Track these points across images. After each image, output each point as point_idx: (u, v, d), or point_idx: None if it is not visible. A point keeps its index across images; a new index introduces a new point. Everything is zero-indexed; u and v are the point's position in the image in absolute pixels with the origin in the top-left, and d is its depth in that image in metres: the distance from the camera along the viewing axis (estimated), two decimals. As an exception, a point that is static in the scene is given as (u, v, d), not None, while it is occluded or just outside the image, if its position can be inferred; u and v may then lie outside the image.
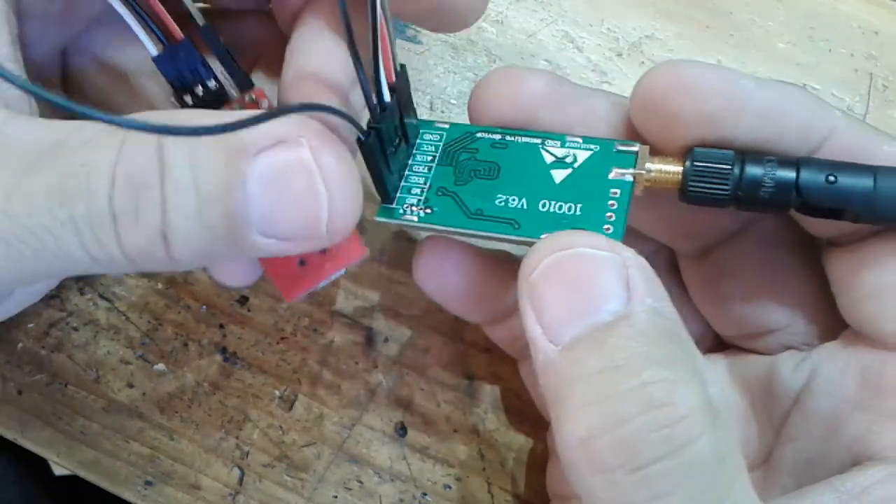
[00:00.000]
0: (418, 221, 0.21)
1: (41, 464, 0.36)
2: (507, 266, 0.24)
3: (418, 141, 0.22)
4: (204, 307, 0.29)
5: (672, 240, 0.24)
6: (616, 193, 0.20)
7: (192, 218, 0.17)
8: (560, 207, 0.20)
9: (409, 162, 0.22)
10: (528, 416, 0.28)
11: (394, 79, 0.20)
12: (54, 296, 0.29)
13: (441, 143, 0.22)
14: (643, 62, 0.30)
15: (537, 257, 0.18)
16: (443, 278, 0.24)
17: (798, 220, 0.21)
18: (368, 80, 0.19)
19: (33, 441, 0.28)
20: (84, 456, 0.28)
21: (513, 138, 0.22)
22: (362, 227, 0.29)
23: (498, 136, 0.22)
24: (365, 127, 0.19)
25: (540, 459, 0.28)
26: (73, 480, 0.32)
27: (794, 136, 0.19)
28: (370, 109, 0.20)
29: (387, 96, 0.20)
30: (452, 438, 0.28)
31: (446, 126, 0.23)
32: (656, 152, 0.20)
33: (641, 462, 0.16)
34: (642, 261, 0.18)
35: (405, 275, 0.29)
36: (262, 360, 0.28)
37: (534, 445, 0.28)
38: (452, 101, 0.30)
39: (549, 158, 0.21)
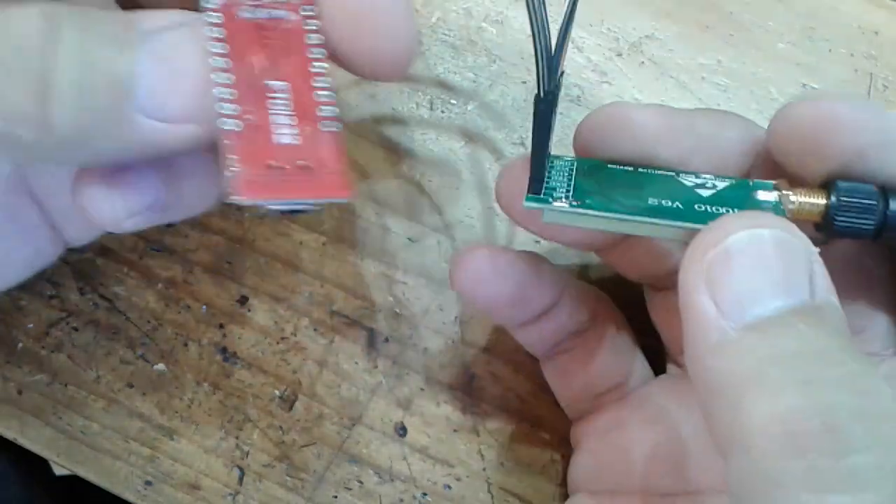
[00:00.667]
0: (570, 207, 0.20)
1: (41, 464, 0.36)
2: (542, 267, 0.24)
3: (551, 167, 0.21)
4: (204, 307, 0.29)
5: None
6: (769, 207, 0.20)
7: (74, 80, 0.17)
8: (718, 210, 0.20)
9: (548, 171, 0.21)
10: (528, 416, 0.28)
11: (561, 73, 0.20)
12: (54, 296, 0.29)
13: (573, 165, 0.21)
14: (643, 62, 0.30)
15: (721, 233, 0.17)
16: (488, 284, 0.24)
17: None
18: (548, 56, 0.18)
19: (33, 441, 0.28)
20: (84, 456, 0.28)
21: (645, 170, 0.21)
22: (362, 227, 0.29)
23: (630, 168, 0.21)
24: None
25: (540, 460, 0.28)
26: (73, 480, 0.32)
27: None
28: (548, 77, 0.18)
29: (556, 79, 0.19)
30: (452, 438, 0.28)
31: (573, 158, 0.22)
32: (794, 184, 0.20)
33: (851, 450, 0.15)
34: (820, 258, 0.17)
35: (405, 275, 0.29)
36: (262, 360, 0.28)
37: (534, 445, 0.28)
38: (452, 101, 0.30)
39: (689, 182, 0.20)
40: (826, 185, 0.19)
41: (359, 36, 0.19)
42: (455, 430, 0.28)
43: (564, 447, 0.28)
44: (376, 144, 0.30)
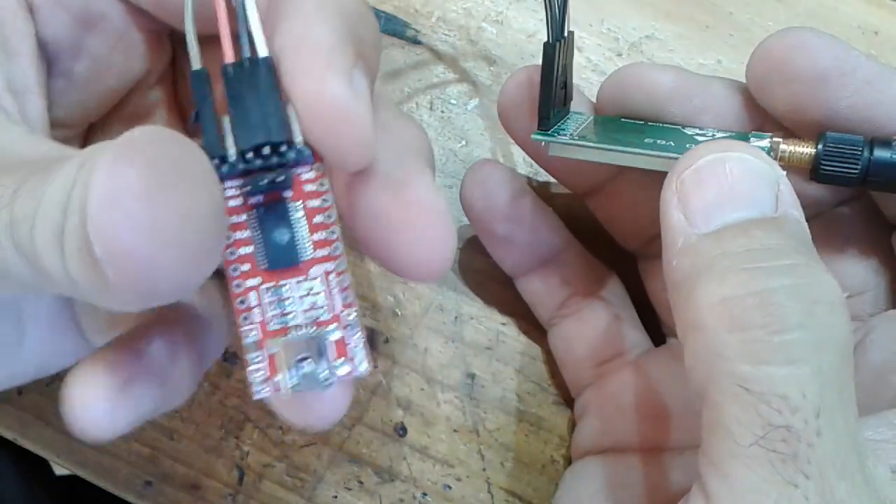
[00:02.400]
0: (570, 139, 0.22)
1: (41, 464, 0.36)
2: (549, 210, 0.27)
3: (567, 118, 0.24)
4: (204, 307, 0.29)
5: None
6: None
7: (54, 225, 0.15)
8: None
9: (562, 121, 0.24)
10: (528, 416, 0.28)
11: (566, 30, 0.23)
12: (54, 296, 0.29)
13: (588, 118, 0.24)
14: (643, 62, 0.30)
15: (696, 156, 0.19)
16: (488, 196, 0.26)
17: (877, 202, 0.23)
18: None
19: (33, 441, 0.28)
20: (84, 456, 0.28)
21: (654, 123, 0.23)
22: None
23: (641, 122, 0.23)
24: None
25: (540, 459, 0.28)
26: (74, 480, 0.32)
27: (890, 105, 0.21)
28: (553, 29, 0.21)
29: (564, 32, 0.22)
30: (452, 438, 0.28)
31: (591, 115, 0.24)
32: (789, 135, 0.22)
33: (784, 326, 0.16)
34: (790, 183, 0.19)
35: (405, 275, 0.29)
36: (262, 360, 0.28)
37: (534, 445, 0.28)
38: (452, 101, 0.30)
39: (689, 132, 0.23)
40: (817, 138, 0.21)
41: (397, 248, 0.18)
42: (455, 430, 0.28)
43: (564, 447, 0.28)
44: (376, 144, 0.30)
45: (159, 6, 0.21)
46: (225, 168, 0.17)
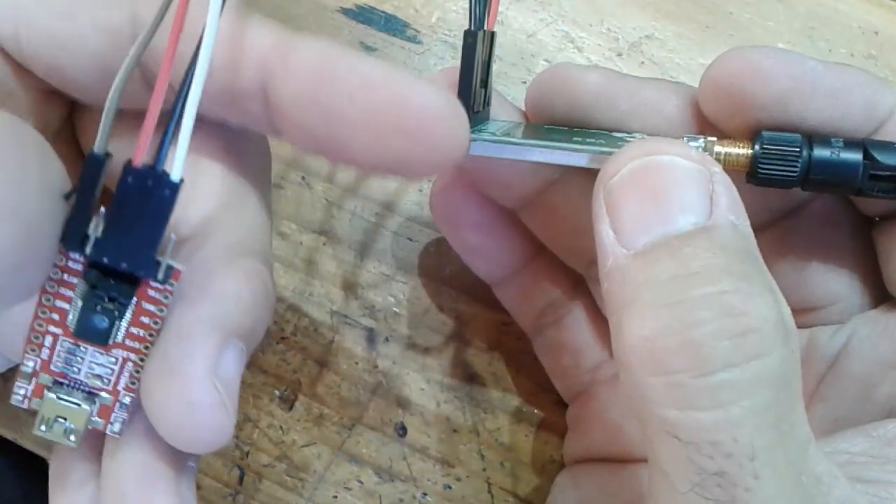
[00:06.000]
0: (492, 136, 0.21)
1: (41, 464, 0.36)
2: (513, 218, 0.25)
3: (487, 123, 0.22)
4: (204, 307, 0.29)
5: None
6: None
7: None
8: None
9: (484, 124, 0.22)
10: (528, 416, 0.28)
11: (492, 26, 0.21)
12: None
13: (511, 123, 0.23)
14: (643, 62, 0.30)
15: (620, 162, 0.18)
16: (456, 206, 0.25)
17: (852, 198, 0.22)
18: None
19: (33, 441, 0.28)
20: (84, 456, 0.28)
21: (582, 129, 0.22)
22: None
23: (567, 129, 0.22)
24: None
25: (540, 459, 0.28)
26: (73, 480, 0.32)
27: (858, 114, 0.20)
28: (475, 18, 0.20)
29: (484, 25, 0.21)
30: (452, 438, 0.28)
31: (514, 121, 0.23)
32: (723, 138, 0.21)
33: (709, 368, 0.15)
34: (728, 178, 0.17)
35: (405, 275, 0.29)
36: (262, 360, 0.28)
37: (534, 445, 0.28)
38: (452, 101, 0.30)
39: (618, 135, 0.21)
40: (753, 137, 0.20)
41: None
42: (455, 430, 0.28)
43: (564, 447, 0.28)
44: (376, 144, 0.30)
45: (51, 72, 0.19)
46: (77, 254, 0.17)
